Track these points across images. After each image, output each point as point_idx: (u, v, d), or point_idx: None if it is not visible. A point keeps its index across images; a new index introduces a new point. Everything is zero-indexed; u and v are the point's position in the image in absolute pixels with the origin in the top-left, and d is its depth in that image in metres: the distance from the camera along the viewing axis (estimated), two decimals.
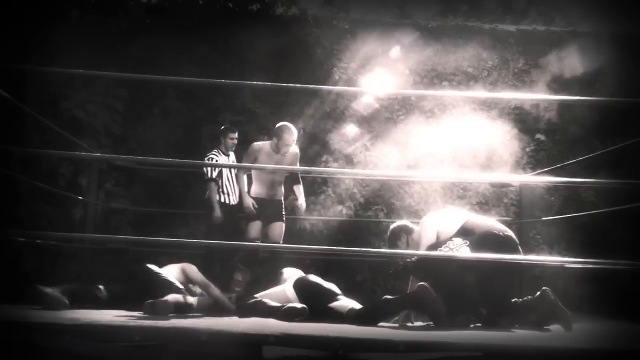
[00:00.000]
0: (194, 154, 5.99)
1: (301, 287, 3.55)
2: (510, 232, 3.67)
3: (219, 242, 4.55)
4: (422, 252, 3.60)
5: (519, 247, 3.65)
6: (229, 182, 5.25)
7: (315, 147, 6.67)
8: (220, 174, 5.19)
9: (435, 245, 3.62)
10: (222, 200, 5.18)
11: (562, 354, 2.53)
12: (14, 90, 3.26)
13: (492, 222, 3.81)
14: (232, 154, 5.39)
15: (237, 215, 5.23)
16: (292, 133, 4.62)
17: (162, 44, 6.41)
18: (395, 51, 6.92)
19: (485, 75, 7.09)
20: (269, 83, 4.10)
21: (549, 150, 6.76)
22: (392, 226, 4.00)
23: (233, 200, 5.24)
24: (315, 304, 3.40)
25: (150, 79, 5.08)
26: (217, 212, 5.06)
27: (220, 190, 5.19)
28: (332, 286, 3.65)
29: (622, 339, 3.08)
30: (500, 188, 6.35)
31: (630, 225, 5.61)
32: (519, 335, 3.05)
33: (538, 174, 5.49)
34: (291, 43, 6.88)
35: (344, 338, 2.55)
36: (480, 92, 6.72)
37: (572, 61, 6.76)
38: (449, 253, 3.44)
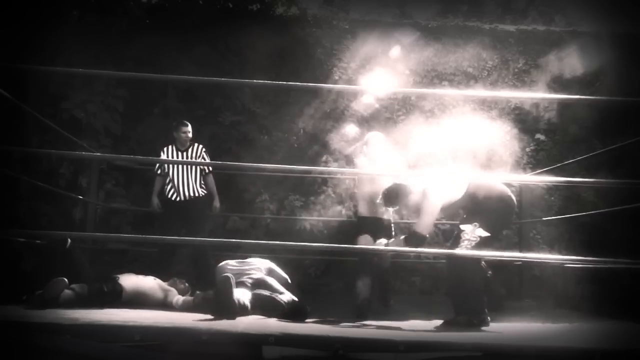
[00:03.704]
0: None
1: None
2: (510, 194, 3.61)
3: (219, 240, 4.54)
4: (424, 250, 3.59)
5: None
6: (178, 177, 5.14)
7: (315, 147, 6.67)
8: (167, 169, 5.17)
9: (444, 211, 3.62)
10: (170, 196, 5.15)
11: (562, 354, 2.53)
12: (14, 90, 3.25)
13: (492, 186, 3.61)
14: (195, 147, 5.24)
15: (186, 212, 5.13)
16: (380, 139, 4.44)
17: (162, 44, 6.41)
18: (395, 51, 6.91)
19: (485, 75, 7.09)
20: (269, 81, 4.09)
21: (549, 150, 6.76)
22: (389, 186, 3.71)
23: (181, 197, 5.13)
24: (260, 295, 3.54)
25: (150, 78, 5.08)
26: (153, 201, 5.20)
27: (170, 184, 5.16)
28: (275, 282, 3.76)
29: (622, 339, 3.08)
30: None
31: (630, 225, 5.61)
32: (519, 335, 3.05)
33: (538, 174, 5.49)
34: (291, 43, 6.88)
35: (344, 338, 2.55)
36: (480, 91, 6.72)
37: (572, 61, 6.76)
38: (467, 245, 3.40)
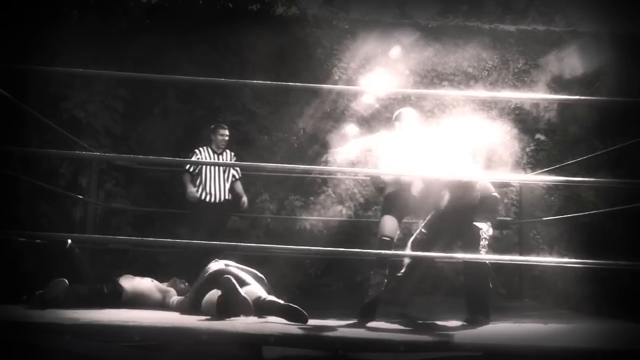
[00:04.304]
0: None
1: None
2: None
3: (219, 243, 4.53)
4: (433, 254, 3.58)
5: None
6: (211, 179, 5.17)
7: (315, 147, 6.67)
8: (200, 169, 5.17)
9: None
10: (203, 197, 5.14)
11: (562, 354, 2.53)
12: (14, 90, 3.25)
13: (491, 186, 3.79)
14: (227, 153, 5.34)
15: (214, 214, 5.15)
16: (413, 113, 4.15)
17: (162, 44, 6.41)
18: (395, 51, 6.92)
19: (485, 75, 7.10)
20: (269, 82, 4.09)
21: (549, 150, 6.76)
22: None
23: (213, 198, 5.16)
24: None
25: (150, 78, 5.08)
26: (190, 190, 5.11)
27: (201, 186, 5.17)
28: (246, 275, 3.62)
29: (622, 339, 3.08)
30: (501, 188, 6.35)
31: (630, 225, 5.61)
32: (519, 335, 3.05)
33: (538, 174, 5.49)
34: (291, 43, 6.88)
35: (344, 338, 2.55)
36: (480, 91, 6.72)
37: (572, 61, 6.77)
38: (485, 244, 3.49)
